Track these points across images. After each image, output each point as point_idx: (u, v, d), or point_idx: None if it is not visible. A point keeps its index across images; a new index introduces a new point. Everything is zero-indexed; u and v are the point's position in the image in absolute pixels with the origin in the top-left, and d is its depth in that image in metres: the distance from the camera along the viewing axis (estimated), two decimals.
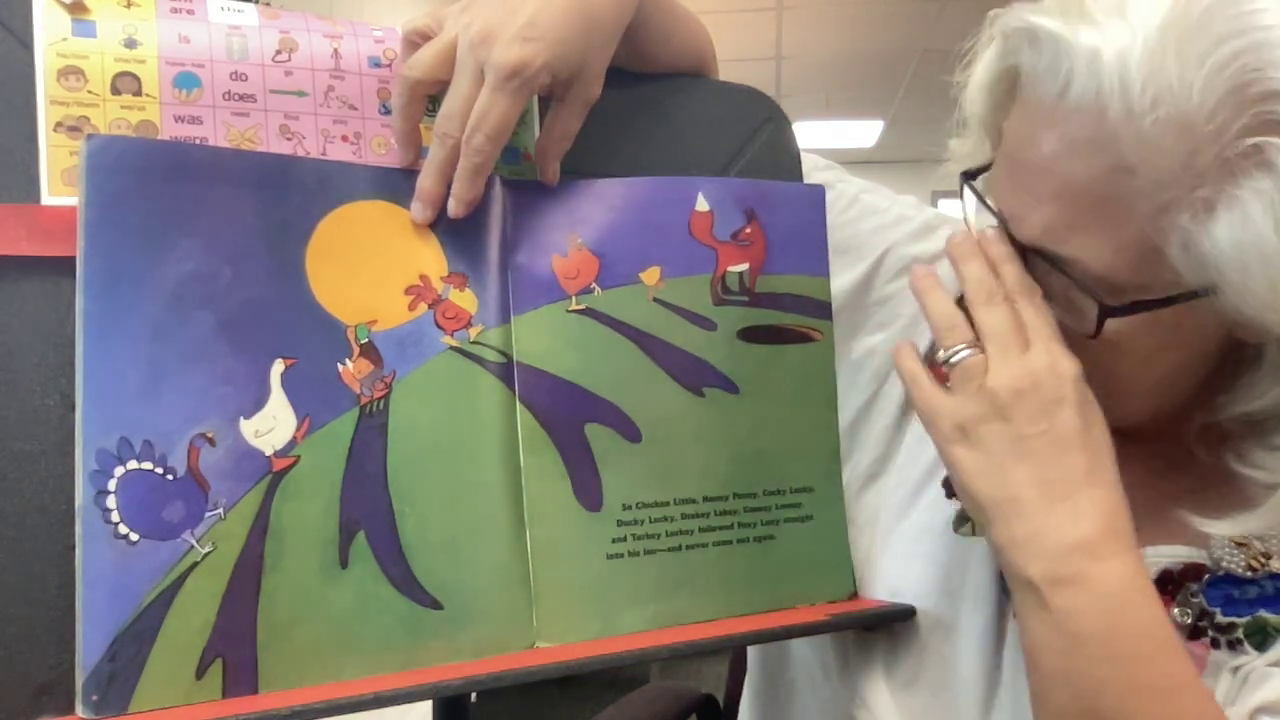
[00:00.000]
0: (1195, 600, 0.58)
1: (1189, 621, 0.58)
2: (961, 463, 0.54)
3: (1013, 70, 0.55)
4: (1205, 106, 0.46)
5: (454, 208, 0.55)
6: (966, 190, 0.60)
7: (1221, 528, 0.54)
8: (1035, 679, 0.52)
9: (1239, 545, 0.57)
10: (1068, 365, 0.53)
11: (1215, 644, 0.58)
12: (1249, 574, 0.57)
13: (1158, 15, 0.47)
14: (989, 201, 0.58)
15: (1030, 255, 0.55)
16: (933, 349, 0.58)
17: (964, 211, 0.62)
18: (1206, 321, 0.53)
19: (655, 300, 0.61)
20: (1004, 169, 0.56)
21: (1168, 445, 0.61)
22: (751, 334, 0.63)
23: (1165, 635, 0.50)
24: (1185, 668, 0.50)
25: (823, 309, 0.66)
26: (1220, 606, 0.58)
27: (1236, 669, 0.56)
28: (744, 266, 0.63)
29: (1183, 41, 0.46)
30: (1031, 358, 0.53)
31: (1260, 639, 0.57)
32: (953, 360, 0.55)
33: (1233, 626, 0.58)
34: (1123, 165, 0.49)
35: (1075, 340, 0.55)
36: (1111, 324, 0.52)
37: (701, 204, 0.63)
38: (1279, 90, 0.46)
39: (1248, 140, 0.46)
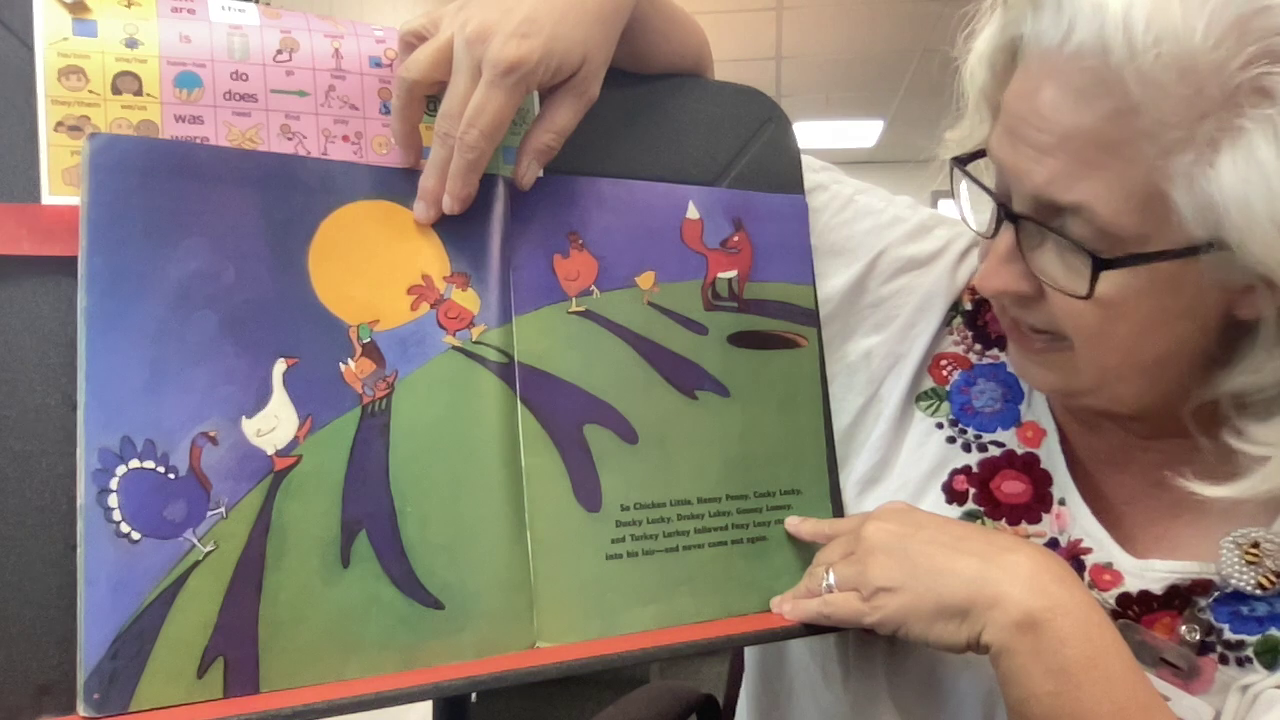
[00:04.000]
0: (1202, 616, 0.58)
1: (1196, 637, 0.58)
2: (905, 604, 0.54)
3: (1014, 41, 0.55)
4: (1208, 42, 0.47)
5: (449, 204, 0.55)
6: (959, 177, 0.60)
7: (1212, 490, 0.54)
8: None
9: (1250, 563, 0.57)
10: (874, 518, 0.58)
11: (1223, 660, 0.58)
12: (1259, 592, 0.57)
13: None
14: (983, 181, 0.58)
15: (1024, 224, 0.55)
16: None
17: (956, 200, 0.62)
18: (1206, 291, 0.52)
19: (650, 304, 0.61)
20: (1005, 130, 0.56)
21: (1173, 444, 0.61)
22: (740, 339, 0.64)
23: (1129, 653, 0.51)
24: (1149, 685, 0.51)
25: (808, 316, 0.67)
26: (1228, 623, 0.58)
27: (1245, 687, 0.56)
28: (732, 273, 0.65)
29: None
30: (861, 530, 0.57)
31: (1271, 658, 0.57)
32: (833, 584, 0.58)
33: (1242, 644, 0.58)
34: (1127, 106, 0.49)
35: (1073, 314, 0.55)
36: (1107, 284, 0.52)
37: (692, 212, 0.64)
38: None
39: (1250, 71, 0.47)
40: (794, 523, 0.63)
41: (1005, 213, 0.57)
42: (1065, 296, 0.54)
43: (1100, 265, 0.52)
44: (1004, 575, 0.52)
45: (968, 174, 0.60)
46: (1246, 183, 0.47)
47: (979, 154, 0.60)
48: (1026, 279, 0.57)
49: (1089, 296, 0.53)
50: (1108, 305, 0.53)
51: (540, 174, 0.58)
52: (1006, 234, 0.57)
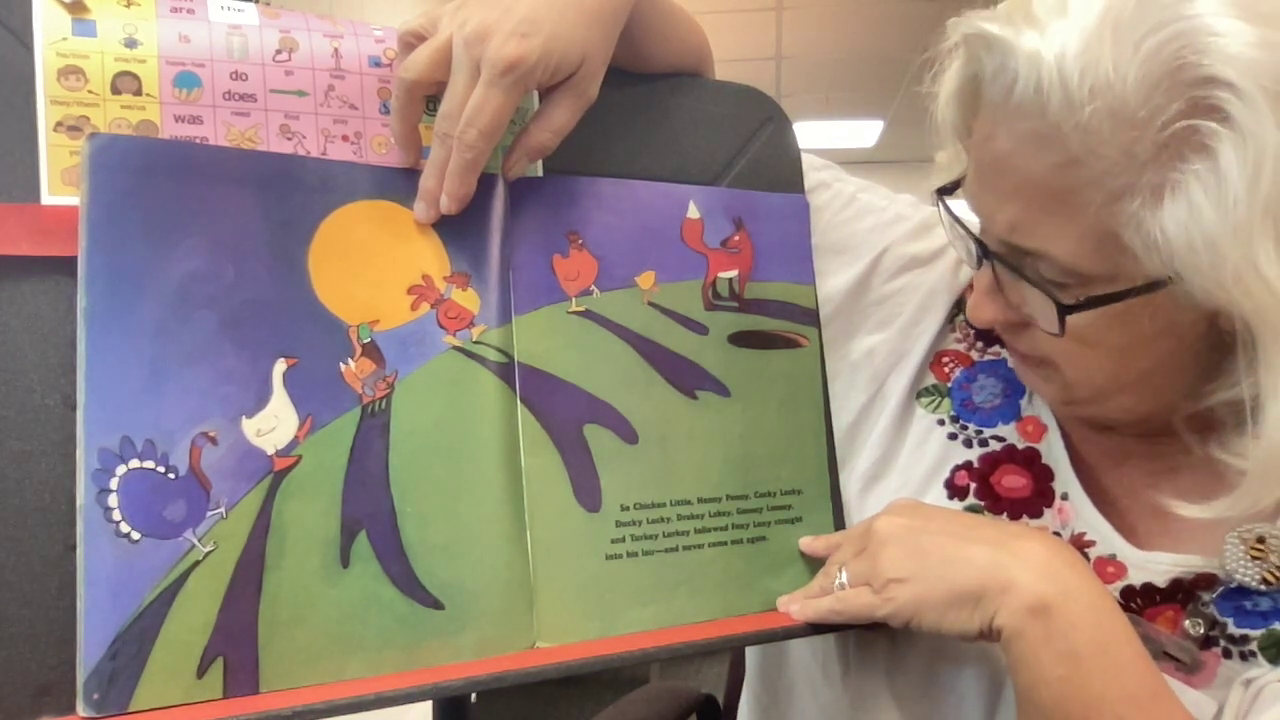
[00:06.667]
0: (1206, 610, 0.58)
1: (1200, 632, 0.58)
2: (917, 593, 0.54)
3: (976, 78, 0.56)
4: (1140, 94, 0.47)
5: (446, 204, 0.54)
6: (940, 206, 0.62)
7: (1195, 511, 0.54)
8: (1032, 715, 0.52)
9: (1255, 558, 0.57)
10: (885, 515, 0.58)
11: (1227, 655, 0.58)
12: (1264, 587, 0.57)
13: (1095, 10, 0.48)
14: (959, 215, 0.60)
15: (997, 264, 0.57)
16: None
17: (945, 229, 0.64)
18: (1181, 313, 0.53)
19: (650, 304, 0.61)
20: (973, 171, 0.58)
21: (1170, 444, 0.61)
22: (741, 339, 0.64)
23: (1139, 642, 0.51)
24: (1158, 673, 0.51)
25: (809, 316, 0.67)
26: (1232, 617, 0.58)
27: (1248, 681, 0.56)
28: (733, 273, 0.65)
29: (1118, 33, 0.48)
30: (872, 526, 0.58)
31: (1275, 653, 0.57)
32: (845, 581, 0.58)
33: (1246, 639, 0.58)
34: (1070, 158, 0.50)
35: (1053, 342, 0.56)
36: (1078, 321, 0.54)
37: (693, 211, 0.64)
38: (1212, 75, 0.47)
39: (1183, 124, 0.47)
40: (807, 542, 0.64)
41: (982, 249, 0.58)
42: (1042, 335, 0.56)
43: (1064, 310, 0.53)
44: (1016, 561, 0.52)
45: (948, 208, 0.62)
46: (1189, 230, 0.48)
47: (959, 183, 0.61)
48: (1010, 309, 0.59)
49: (1060, 335, 0.54)
50: (1082, 338, 0.55)
51: (529, 170, 0.58)
52: (988, 268, 0.59)
